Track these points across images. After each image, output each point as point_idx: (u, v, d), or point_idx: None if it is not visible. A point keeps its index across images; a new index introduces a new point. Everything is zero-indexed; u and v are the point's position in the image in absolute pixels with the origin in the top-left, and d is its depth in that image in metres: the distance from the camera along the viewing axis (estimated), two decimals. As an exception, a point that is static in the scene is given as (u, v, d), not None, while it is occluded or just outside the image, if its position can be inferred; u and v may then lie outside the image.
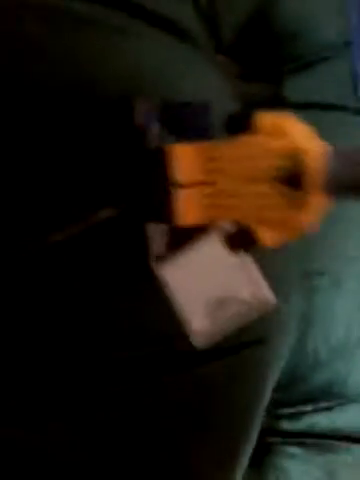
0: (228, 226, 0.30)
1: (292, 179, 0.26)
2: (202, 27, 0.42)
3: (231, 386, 0.41)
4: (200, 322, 0.29)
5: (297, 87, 0.51)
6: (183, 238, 0.31)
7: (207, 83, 0.40)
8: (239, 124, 0.28)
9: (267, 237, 0.28)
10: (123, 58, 0.35)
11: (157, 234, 0.31)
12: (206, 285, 0.30)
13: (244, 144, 0.28)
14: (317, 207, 0.26)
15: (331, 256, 0.51)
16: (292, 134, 0.27)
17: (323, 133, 0.52)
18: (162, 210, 0.31)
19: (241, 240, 0.29)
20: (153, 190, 0.31)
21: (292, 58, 0.51)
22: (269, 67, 0.52)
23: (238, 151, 0.28)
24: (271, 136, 0.27)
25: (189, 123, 0.31)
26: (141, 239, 0.32)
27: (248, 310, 0.29)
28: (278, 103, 0.52)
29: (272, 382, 0.47)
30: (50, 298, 0.34)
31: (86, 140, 0.33)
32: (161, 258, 0.31)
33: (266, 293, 0.29)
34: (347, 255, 0.51)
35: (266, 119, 0.28)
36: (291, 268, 0.46)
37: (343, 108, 0.53)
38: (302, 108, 0.53)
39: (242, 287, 0.29)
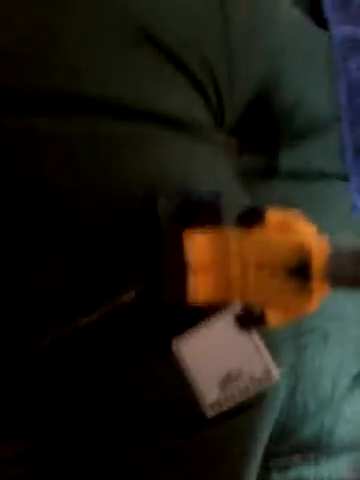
0: (239, 306, 0.33)
1: (299, 270, 0.30)
2: (211, 119, 0.45)
3: (231, 445, 0.43)
4: (213, 395, 0.32)
5: (289, 159, 0.54)
6: (198, 317, 0.34)
7: (219, 175, 0.43)
8: (251, 217, 0.32)
9: (274, 318, 0.32)
10: (148, 165, 0.38)
11: (173, 312, 0.34)
12: (218, 361, 0.33)
13: (255, 237, 0.31)
14: (320, 296, 0.30)
15: (319, 314, 0.54)
16: (299, 230, 0.30)
17: (314, 198, 0.56)
18: (179, 290, 0.34)
19: (250, 320, 0.33)
20: (171, 272, 0.34)
21: (287, 133, 0.54)
22: (265, 141, 0.55)
23: (248, 242, 0.32)
24: (280, 231, 0.31)
25: (203, 211, 0.35)
26: (159, 317, 0.35)
27: (256, 384, 0.32)
28: (273, 173, 0.55)
29: (266, 437, 0.49)
30: (74, 375, 0.36)
31: (112, 229, 0.36)
32: (178, 335, 0.34)
33: (272, 368, 0.32)
34: (332, 312, 0.54)
35: (275, 215, 0.31)
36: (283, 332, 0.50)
37: (332, 176, 0.56)
38: (294, 178, 0.57)
39: (251, 363, 0.32)
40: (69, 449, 0.38)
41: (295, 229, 0.30)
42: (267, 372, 0.32)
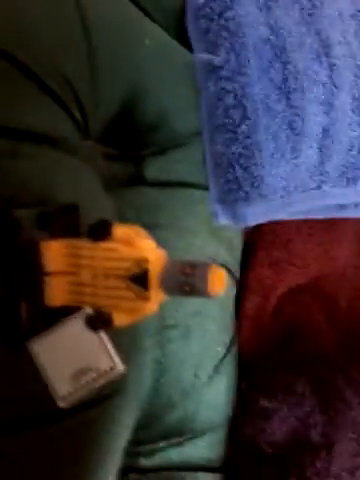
0: (89, 309, 0.38)
1: (138, 279, 0.34)
2: (75, 133, 0.48)
3: (91, 433, 0.46)
4: (64, 389, 0.36)
5: (155, 168, 0.58)
6: (53, 318, 0.37)
7: (81, 187, 0.46)
8: (100, 230, 0.36)
9: (119, 320, 0.36)
10: (13, 176, 0.40)
11: (30, 314, 0.37)
12: (70, 358, 0.37)
13: (102, 248, 0.36)
14: (158, 301, 0.35)
15: (181, 311, 0.57)
16: (140, 244, 0.35)
17: (177, 205, 0.61)
18: (35, 294, 0.37)
19: (99, 321, 0.37)
20: (28, 278, 0.37)
21: (151, 144, 0.58)
22: (131, 150, 0.59)
23: (97, 253, 0.36)
24: (124, 243, 0.35)
25: (59, 222, 0.38)
26: (17, 320, 0.38)
27: (103, 377, 0.36)
28: (138, 181, 0.59)
29: (129, 425, 0.52)
30: None
31: None
32: (33, 335, 0.37)
33: (117, 363, 0.36)
34: (193, 309, 0.58)
35: (120, 229, 0.36)
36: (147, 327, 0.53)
37: (193, 185, 0.61)
38: (159, 185, 0.60)
39: (99, 359, 0.36)
40: None
41: (136, 243, 0.35)
42: (112, 366, 0.36)
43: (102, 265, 0.36)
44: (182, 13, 0.61)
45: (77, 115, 0.47)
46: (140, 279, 0.34)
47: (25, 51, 0.43)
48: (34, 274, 0.37)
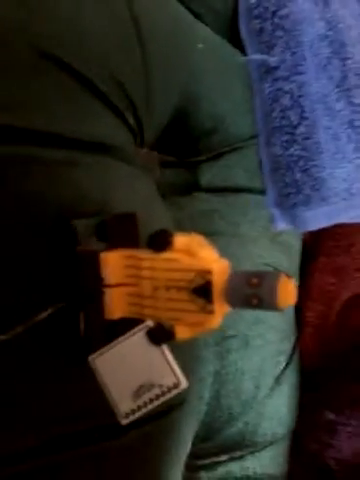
0: (150, 322, 0.36)
1: (201, 292, 0.33)
2: (130, 141, 0.47)
3: (153, 447, 0.46)
4: (126, 405, 0.35)
5: (210, 173, 0.57)
6: (113, 331, 0.36)
7: (138, 196, 0.45)
8: (160, 240, 0.34)
9: (182, 333, 0.35)
10: (70, 186, 0.40)
11: (90, 327, 0.37)
12: (131, 373, 0.35)
13: (163, 259, 0.34)
14: (221, 313, 0.33)
15: (240, 321, 0.56)
16: (202, 255, 0.33)
17: (234, 211, 0.59)
18: (95, 306, 0.36)
19: (161, 335, 0.35)
20: (87, 290, 0.37)
21: (206, 150, 0.57)
22: (185, 157, 0.58)
23: (158, 264, 0.34)
24: (185, 254, 0.34)
25: (118, 232, 0.37)
26: (78, 333, 0.37)
27: (166, 394, 0.35)
28: (193, 187, 0.58)
29: (189, 438, 0.51)
30: None
31: (29, 250, 0.38)
32: (95, 350, 0.36)
33: (180, 379, 0.35)
34: (252, 318, 0.57)
35: (181, 239, 0.34)
36: (206, 339, 0.52)
37: (250, 190, 0.59)
38: (215, 191, 0.59)
39: (161, 375, 0.35)
40: None
41: (199, 253, 0.33)
42: (175, 383, 0.35)
43: (163, 276, 0.34)
44: (234, 14, 0.59)
45: (132, 122, 0.47)
46: (203, 291, 0.32)
47: (80, 59, 0.42)
48: (93, 286, 0.36)
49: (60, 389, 0.39)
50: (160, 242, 0.34)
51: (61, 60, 0.41)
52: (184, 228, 0.57)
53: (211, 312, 0.33)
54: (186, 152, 0.58)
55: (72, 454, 0.40)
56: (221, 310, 0.33)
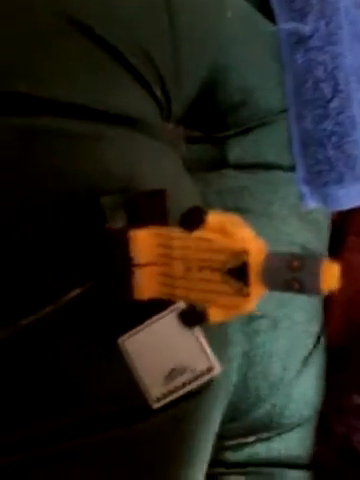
0: (182, 303, 0.35)
1: (236, 273, 0.31)
2: (158, 115, 0.46)
3: (182, 428, 0.45)
4: (158, 389, 0.34)
5: (238, 149, 0.55)
6: (145, 312, 0.35)
7: (166, 172, 0.44)
8: (193, 219, 0.33)
9: (215, 316, 0.33)
10: (97, 161, 0.38)
11: (120, 307, 0.35)
12: (163, 356, 0.34)
13: (196, 238, 0.33)
14: (257, 296, 0.31)
15: (269, 301, 0.56)
16: (237, 234, 0.32)
17: (263, 188, 0.58)
18: (124, 286, 0.35)
19: (193, 317, 0.34)
20: (116, 269, 0.35)
21: (234, 125, 0.55)
22: (213, 131, 0.56)
23: (190, 243, 0.33)
24: (220, 233, 0.32)
25: (147, 209, 0.36)
26: (107, 313, 0.36)
27: (200, 378, 0.34)
28: (221, 163, 0.56)
29: (217, 419, 0.51)
30: (22, 371, 0.37)
31: (56, 228, 0.37)
32: (125, 331, 0.35)
33: (213, 363, 0.34)
34: (280, 299, 0.56)
35: (215, 218, 0.32)
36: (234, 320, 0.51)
37: (280, 167, 0.58)
38: (243, 168, 0.58)
39: (194, 358, 0.34)
40: (18, 443, 0.39)
41: (234, 233, 0.32)
42: (209, 367, 0.34)
43: (196, 257, 0.33)
44: (264, -19, 0.57)
45: (159, 95, 0.45)
46: (239, 273, 0.31)
47: (108, 27, 0.41)
48: (123, 265, 0.35)
49: (89, 370, 0.38)
50: (193, 220, 0.32)
51: (88, 27, 0.40)
52: (211, 205, 0.56)
53: (247, 295, 0.31)
54: (213, 127, 0.56)
55: (102, 436, 0.40)
56: (257, 293, 0.31)
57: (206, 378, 0.34)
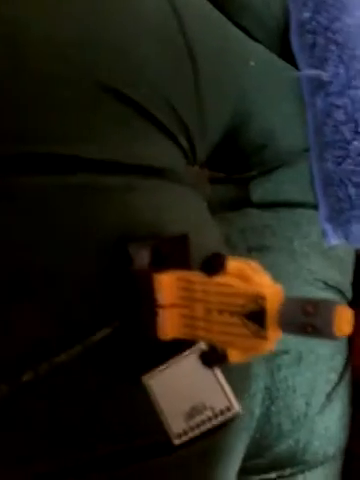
0: (203, 344, 0.37)
1: (254, 317, 0.33)
2: (182, 162, 0.48)
3: (205, 463, 0.46)
4: (179, 426, 0.36)
5: (261, 189, 0.57)
6: (166, 352, 0.37)
7: (190, 216, 0.46)
8: (214, 264, 0.35)
9: (235, 356, 0.35)
10: (126, 210, 0.41)
11: (144, 347, 0.37)
12: (184, 395, 0.36)
13: (216, 283, 0.35)
14: (274, 338, 0.33)
15: (291, 337, 0.57)
16: (256, 280, 0.33)
17: (286, 226, 0.59)
18: (149, 326, 0.37)
19: (214, 358, 0.36)
20: (142, 311, 0.37)
21: (257, 165, 0.56)
22: (236, 172, 0.58)
23: (211, 287, 0.35)
24: (238, 278, 0.34)
25: (171, 254, 0.38)
26: (132, 352, 0.38)
27: (218, 417, 0.35)
28: (244, 203, 0.58)
29: (240, 455, 0.51)
30: (53, 407, 0.39)
31: (86, 274, 0.39)
32: (149, 370, 0.37)
33: (233, 403, 0.35)
34: None
35: (234, 263, 0.34)
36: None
37: (302, 205, 0.59)
38: (266, 207, 0.59)
39: (214, 397, 0.35)
40: (50, 476, 0.40)
41: (252, 278, 0.34)
42: (228, 406, 0.35)
43: (216, 300, 0.35)
44: (285, 29, 0.59)
45: (184, 143, 0.47)
46: (257, 317, 0.33)
47: (135, 88, 0.43)
48: (147, 307, 0.37)
49: (114, 408, 0.40)
50: (213, 266, 0.34)
51: (119, 92, 0.42)
52: (234, 243, 0.58)
53: (264, 338, 0.33)
54: (236, 168, 0.58)
55: (125, 471, 0.41)
56: (274, 336, 0.33)
57: (225, 417, 0.35)
